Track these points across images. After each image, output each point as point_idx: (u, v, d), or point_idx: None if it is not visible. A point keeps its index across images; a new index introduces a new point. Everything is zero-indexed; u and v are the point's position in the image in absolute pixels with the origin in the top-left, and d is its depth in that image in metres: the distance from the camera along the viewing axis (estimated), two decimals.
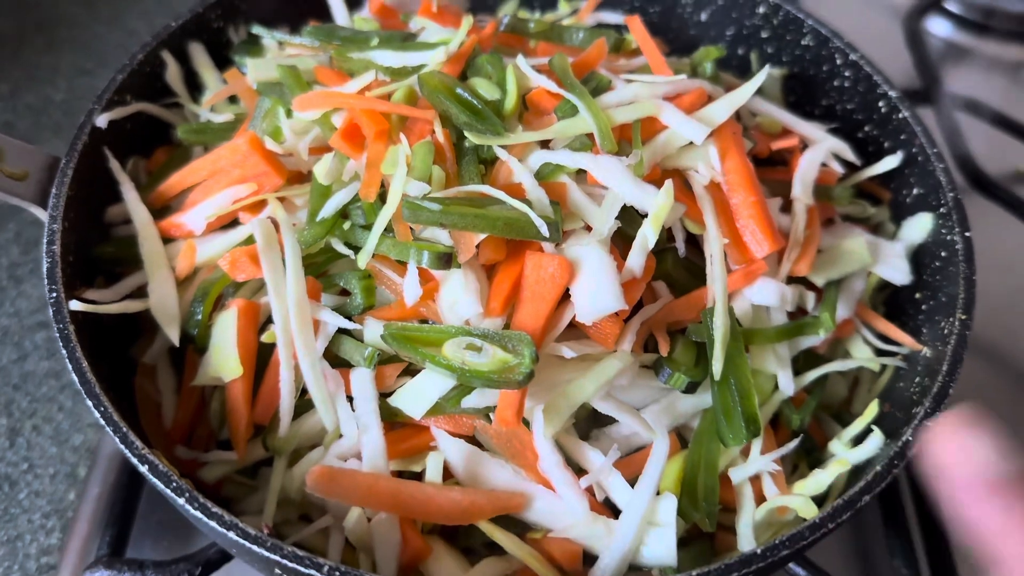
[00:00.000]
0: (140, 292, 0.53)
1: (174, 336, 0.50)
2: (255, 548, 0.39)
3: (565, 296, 0.48)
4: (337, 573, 0.39)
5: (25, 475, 0.68)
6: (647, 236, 0.48)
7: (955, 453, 0.32)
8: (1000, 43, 1.01)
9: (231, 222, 0.54)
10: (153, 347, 0.53)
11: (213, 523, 0.40)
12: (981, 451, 0.32)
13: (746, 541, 0.48)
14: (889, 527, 0.59)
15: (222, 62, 0.64)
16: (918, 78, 0.86)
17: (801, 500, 0.47)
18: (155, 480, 0.42)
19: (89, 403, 0.44)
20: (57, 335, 0.46)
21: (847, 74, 0.64)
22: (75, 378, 0.45)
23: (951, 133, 0.78)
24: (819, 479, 0.49)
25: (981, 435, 0.33)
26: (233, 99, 0.62)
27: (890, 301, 0.59)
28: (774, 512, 0.49)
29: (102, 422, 0.43)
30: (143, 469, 0.42)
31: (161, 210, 0.57)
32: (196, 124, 0.60)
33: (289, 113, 0.55)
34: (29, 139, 0.88)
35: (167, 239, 0.55)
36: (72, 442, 0.70)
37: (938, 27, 1.02)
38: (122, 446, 0.42)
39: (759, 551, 0.41)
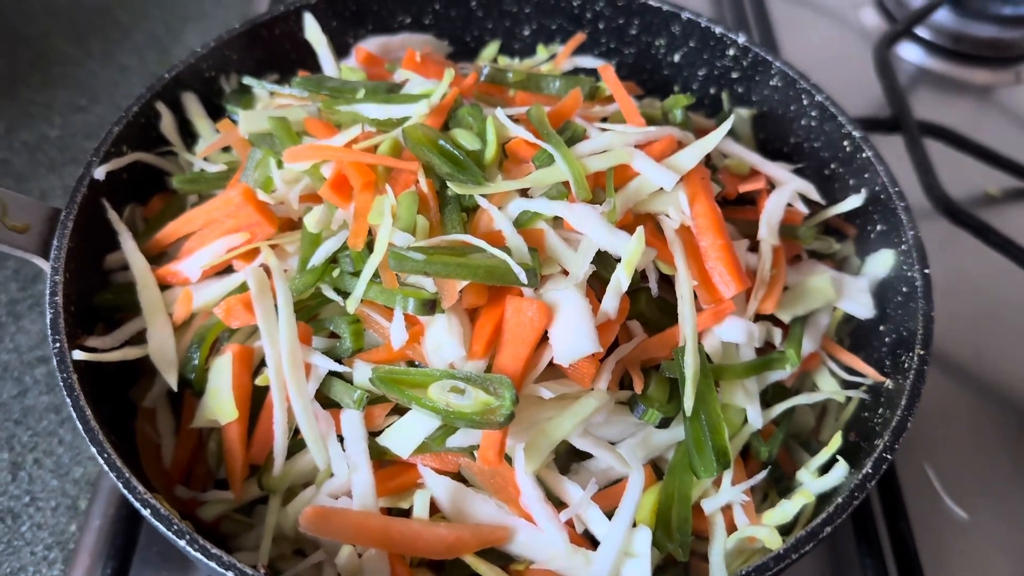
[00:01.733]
0: (139, 337, 0.55)
1: (172, 381, 0.53)
2: None
3: (544, 337, 0.51)
4: None
5: (27, 508, 0.70)
6: (620, 280, 0.51)
7: None
8: (969, 68, 1.04)
9: (225, 268, 0.57)
10: (152, 391, 0.55)
11: (213, 564, 0.43)
12: None
13: (718, 570, 0.51)
14: (862, 546, 0.61)
15: (214, 110, 0.67)
16: (887, 106, 0.89)
17: (767, 531, 0.50)
18: (157, 524, 0.44)
19: (93, 450, 0.46)
20: (60, 383, 0.48)
21: (813, 114, 0.67)
22: (79, 425, 0.47)
23: (920, 159, 0.81)
24: (785, 509, 0.52)
25: None
26: (226, 148, 0.64)
27: (855, 334, 0.62)
28: (744, 541, 0.52)
29: (106, 468, 0.45)
30: (146, 513, 0.44)
31: (158, 256, 0.59)
32: (191, 174, 0.63)
33: (280, 164, 0.58)
34: (25, 176, 0.90)
35: (164, 286, 0.57)
36: (72, 475, 0.72)
37: (908, 53, 1.05)
38: (125, 491, 0.45)
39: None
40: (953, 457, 0.71)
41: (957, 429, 0.73)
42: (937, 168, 0.82)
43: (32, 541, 0.68)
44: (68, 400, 0.48)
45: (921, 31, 1.05)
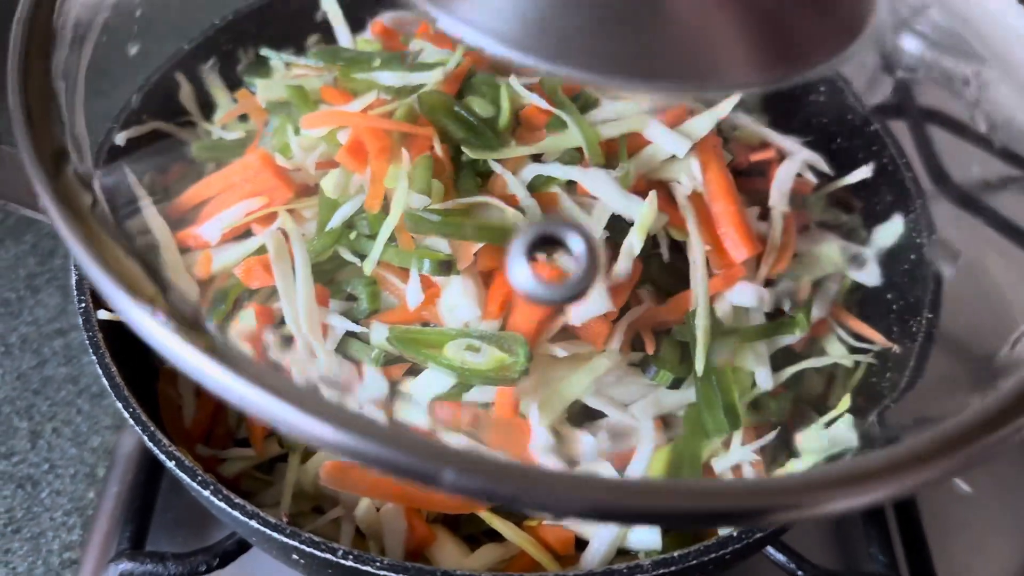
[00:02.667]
0: None
1: None
2: (275, 535, 0.43)
3: None
4: (350, 556, 0.43)
5: (47, 475, 0.71)
6: (633, 244, 0.52)
7: None
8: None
9: (244, 233, 0.58)
10: None
11: (236, 512, 0.44)
12: None
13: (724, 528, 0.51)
14: (866, 514, 0.62)
15: (232, 82, 0.68)
16: (892, 92, 0.90)
17: None
18: (182, 475, 0.45)
19: (119, 404, 0.47)
20: (87, 341, 0.50)
21: (822, 89, 0.68)
22: (105, 382, 0.48)
23: (922, 143, 0.82)
24: (794, 467, 0.52)
25: None
26: (243, 117, 0.65)
27: (863, 302, 0.63)
28: None
29: (131, 422, 0.46)
30: (170, 464, 0.46)
31: (177, 222, 0.60)
32: (209, 141, 0.64)
33: (297, 131, 0.59)
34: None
35: (183, 249, 0.58)
36: (91, 443, 0.73)
37: (910, 43, 1.06)
38: (150, 444, 0.46)
39: (735, 534, 0.45)
40: None
41: (950, 396, 0.74)
42: (940, 154, 0.83)
43: (51, 507, 0.70)
44: (94, 356, 0.49)
45: (922, 25, 1.05)
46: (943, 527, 0.67)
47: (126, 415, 0.47)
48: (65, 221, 0.31)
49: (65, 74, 0.36)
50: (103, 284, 0.29)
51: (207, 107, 0.67)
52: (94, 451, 0.73)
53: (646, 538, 0.50)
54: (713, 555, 0.44)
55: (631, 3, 0.32)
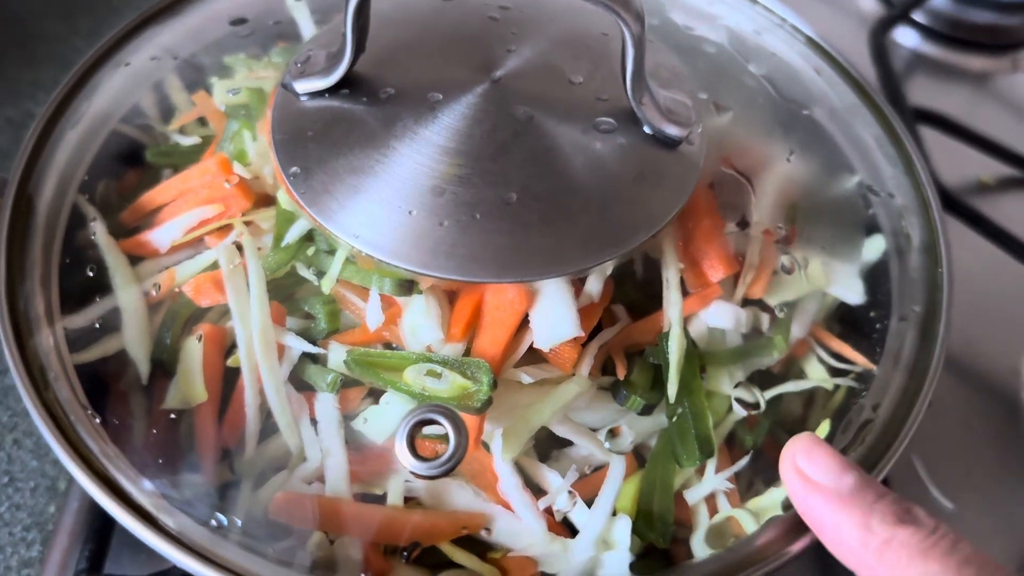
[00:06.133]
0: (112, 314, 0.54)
1: (144, 372, 0.51)
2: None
3: (525, 320, 0.49)
4: None
5: (6, 488, 0.69)
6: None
7: (814, 463, 0.39)
8: (965, 54, 1.02)
9: (195, 241, 0.55)
10: (125, 376, 0.54)
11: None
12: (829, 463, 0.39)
13: (700, 556, 0.49)
14: None
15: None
16: (882, 91, 0.87)
17: (747, 514, 0.49)
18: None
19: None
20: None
21: None
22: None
23: (914, 147, 0.79)
24: (773, 497, 0.50)
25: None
26: (203, 121, 0.63)
27: (845, 320, 0.61)
28: (726, 524, 0.51)
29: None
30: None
31: (132, 230, 0.58)
32: (164, 146, 0.61)
33: (255, 136, 0.56)
34: (11, 153, 0.89)
35: (134, 258, 0.56)
36: (52, 456, 0.71)
37: (905, 37, 1.03)
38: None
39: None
40: (940, 448, 0.70)
41: (945, 420, 0.72)
42: (931, 155, 0.81)
43: (11, 522, 0.68)
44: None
45: (918, 16, 1.03)
46: None
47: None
48: None
49: None
50: None
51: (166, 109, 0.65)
52: (55, 463, 0.71)
53: (615, 570, 0.48)
54: None
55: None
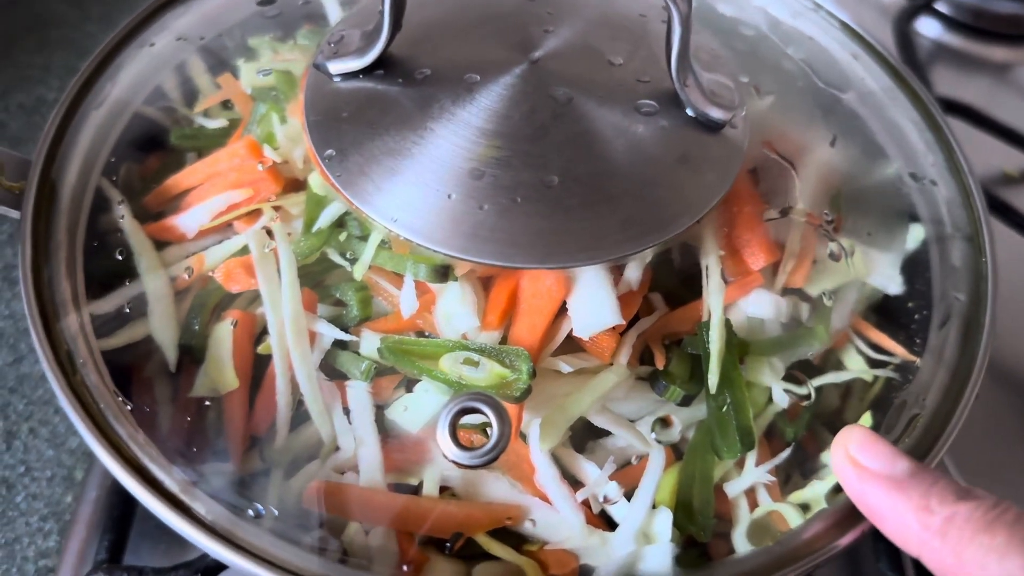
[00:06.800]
0: (138, 299, 0.53)
1: (171, 359, 0.50)
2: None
3: (562, 308, 0.48)
4: None
5: (22, 478, 0.68)
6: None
7: (866, 452, 0.38)
8: (988, 44, 1.01)
9: (223, 226, 0.54)
10: (152, 362, 0.53)
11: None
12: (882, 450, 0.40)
13: (742, 551, 0.48)
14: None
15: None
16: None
17: (791, 507, 0.48)
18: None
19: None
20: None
21: None
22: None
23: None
24: (816, 489, 0.49)
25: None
26: (227, 104, 0.61)
27: (883, 310, 0.60)
28: (768, 518, 0.49)
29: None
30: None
31: (157, 214, 0.57)
32: (189, 129, 0.60)
33: (284, 119, 0.55)
34: (22, 139, 0.88)
35: (160, 243, 0.54)
36: (68, 445, 0.70)
37: (928, 28, 1.02)
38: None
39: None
40: (971, 445, 0.69)
41: (976, 417, 0.71)
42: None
43: (27, 512, 0.67)
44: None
45: (941, 6, 1.02)
46: None
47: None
48: None
49: None
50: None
51: (189, 93, 0.63)
52: (72, 453, 0.70)
53: (658, 564, 0.47)
54: None
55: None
